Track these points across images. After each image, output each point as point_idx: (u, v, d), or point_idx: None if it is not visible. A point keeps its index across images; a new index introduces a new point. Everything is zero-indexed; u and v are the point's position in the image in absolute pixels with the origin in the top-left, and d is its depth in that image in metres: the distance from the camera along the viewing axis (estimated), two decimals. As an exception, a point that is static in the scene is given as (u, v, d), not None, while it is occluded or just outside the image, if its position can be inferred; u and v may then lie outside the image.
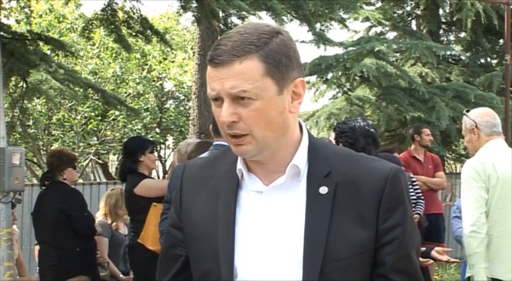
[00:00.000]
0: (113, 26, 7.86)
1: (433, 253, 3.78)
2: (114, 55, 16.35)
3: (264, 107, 1.39)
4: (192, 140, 5.36)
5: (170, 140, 19.08)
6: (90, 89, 9.77)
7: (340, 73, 11.65)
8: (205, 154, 3.52)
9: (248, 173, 1.49)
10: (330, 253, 1.40)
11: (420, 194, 6.53)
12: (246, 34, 1.40)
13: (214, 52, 1.40)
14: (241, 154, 1.44)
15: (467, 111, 4.03)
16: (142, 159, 4.99)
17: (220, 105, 1.41)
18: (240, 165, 1.49)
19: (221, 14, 8.72)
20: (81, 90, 9.54)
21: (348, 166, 1.47)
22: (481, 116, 3.95)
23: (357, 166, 1.48)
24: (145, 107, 16.16)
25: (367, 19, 12.67)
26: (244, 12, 8.45)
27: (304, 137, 1.50)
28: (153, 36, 8.39)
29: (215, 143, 3.60)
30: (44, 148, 15.85)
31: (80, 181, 13.34)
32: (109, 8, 7.75)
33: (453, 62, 13.80)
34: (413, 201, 6.17)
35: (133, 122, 15.87)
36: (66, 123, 15.98)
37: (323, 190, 1.44)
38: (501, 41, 13.16)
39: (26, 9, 15.39)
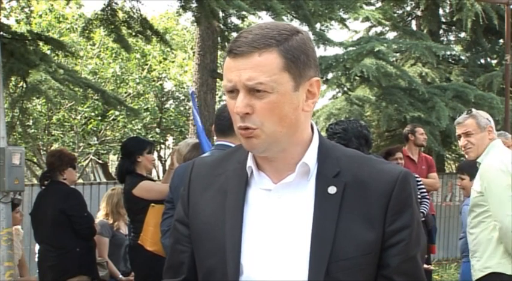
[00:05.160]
0: (112, 26, 7.87)
1: None
2: (114, 55, 16.35)
3: (279, 101, 1.40)
4: (192, 140, 5.34)
5: (170, 140, 19.08)
6: (90, 89, 9.76)
7: (340, 73, 11.65)
8: (206, 154, 3.52)
9: (258, 171, 1.50)
10: (336, 252, 1.40)
11: (425, 194, 6.53)
12: (267, 29, 1.41)
13: (234, 44, 1.41)
14: (251, 148, 1.45)
15: (471, 110, 4.03)
16: (140, 159, 4.97)
17: (234, 97, 1.41)
18: (250, 162, 1.50)
19: (221, 14, 8.71)
20: (81, 90, 9.54)
21: (358, 167, 1.48)
22: (488, 116, 3.99)
23: (367, 167, 1.48)
24: (145, 107, 16.15)
25: (367, 19, 12.68)
26: (244, 12, 8.45)
27: (315, 137, 1.50)
28: (153, 36, 8.40)
29: (217, 143, 3.59)
30: (44, 148, 15.84)
31: (80, 181, 13.34)
32: (109, 8, 7.75)
33: (453, 62, 13.81)
34: (418, 200, 6.19)
35: (133, 122, 15.86)
36: (66, 123, 15.98)
37: (332, 189, 1.44)
38: (501, 41, 13.17)
39: (26, 9, 15.39)
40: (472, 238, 3.86)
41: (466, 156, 4.07)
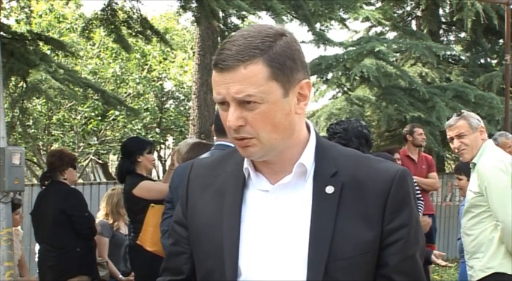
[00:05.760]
0: (112, 26, 7.87)
1: (432, 257, 3.78)
2: (114, 55, 16.35)
3: (270, 110, 1.39)
4: (192, 140, 5.34)
5: (170, 140, 19.08)
6: (90, 89, 9.77)
7: (340, 73, 11.65)
8: (206, 154, 3.52)
9: (255, 172, 1.50)
10: (334, 252, 1.40)
11: (419, 195, 6.53)
12: (250, 38, 1.40)
13: (218, 57, 1.40)
14: (248, 156, 1.45)
15: (462, 112, 4.03)
16: (141, 159, 4.97)
17: (226, 108, 1.41)
18: (246, 164, 1.50)
19: (221, 14, 8.72)
20: (81, 90, 9.55)
21: (355, 166, 1.48)
22: (478, 117, 4.00)
23: (364, 166, 1.48)
24: (145, 107, 16.16)
25: (367, 19, 12.68)
26: (244, 12, 8.46)
27: (312, 137, 1.50)
28: (153, 36, 8.40)
29: (217, 143, 3.59)
30: (44, 148, 15.84)
31: (80, 181, 13.33)
32: (109, 8, 7.76)
33: (453, 62, 13.81)
34: None
35: (133, 122, 15.87)
36: (66, 123, 15.98)
37: (329, 189, 1.44)
38: (501, 41, 13.17)
39: (26, 9, 15.39)
40: (470, 239, 3.84)
41: (461, 158, 4.07)
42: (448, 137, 4.05)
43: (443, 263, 3.88)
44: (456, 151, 4.00)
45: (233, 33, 1.47)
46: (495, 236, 3.71)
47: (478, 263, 3.78)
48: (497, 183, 3.68)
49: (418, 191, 6.51)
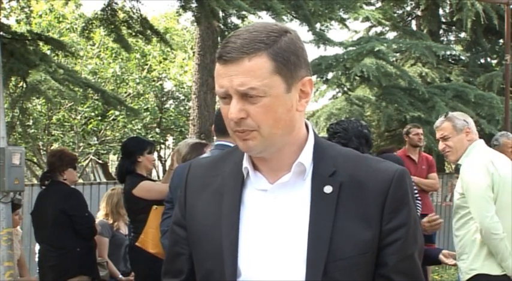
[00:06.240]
0: (112, 26, 7.88)
1: (441, 256, 3.77)
2: (114, 55, 16.37)
3: (272, 103, 1.39)
4: (192, 140, 5.34)
5: (170, 140, 19.10)
6: (90, 89, 9.77)
7: (340, 73, 11.67)
8: (206, 154, 3.52)
9: (254, 171, 1.50)
10: (333, 252, 1.40)
11: (417, 195, 6.53)
12: (255, 32, 1.40)
13: (223, 49, 1.40)
14: (248, 150, 1.45)
15: (448, 113, 4.04)
16: (141, 160, 4.96)
17: (228, 102, 1.41)
18: (245, 163, 1.49)
19: (221, 14, 8.72)
20: (81, 90, 9.55)
21: (353, 166, 1.47)
22: (466, 117, 3.99)
23: (362, 166, 1.48)
24: (145, 107, 16.17)
25: (367, 19, 12.70)
26: (244, 12, 8.46)
27: (310, 136, 1.50)
28: (153, 36, 8.41)
29: (217, 143, 3.59)
30: (44, 148, 15.86)
31: (80, 181, 13.33)
32: (109, 8, 7.77)
33: (453, 62, 13.83)
34: None
35: (133, 122, 15.88)
36: (66, 123, 15.99)
37: (328, 189, 1.44)
38: (501, 41, 13.19)
39: (26, 9, 15.39)
40: (457, 241, 3.83)
41: (447, 159, 4.07)
42: (436, 138, 4.07)
43: (453, 262, 3.87)
44: (442, 152, 4.01)
45: (237, 29, 1.47)
46: (477, 238, 3.70)
47: (463, 265, 3.78)
48: (476, 184, 3.68)
49: (416, 191, 6.51)
